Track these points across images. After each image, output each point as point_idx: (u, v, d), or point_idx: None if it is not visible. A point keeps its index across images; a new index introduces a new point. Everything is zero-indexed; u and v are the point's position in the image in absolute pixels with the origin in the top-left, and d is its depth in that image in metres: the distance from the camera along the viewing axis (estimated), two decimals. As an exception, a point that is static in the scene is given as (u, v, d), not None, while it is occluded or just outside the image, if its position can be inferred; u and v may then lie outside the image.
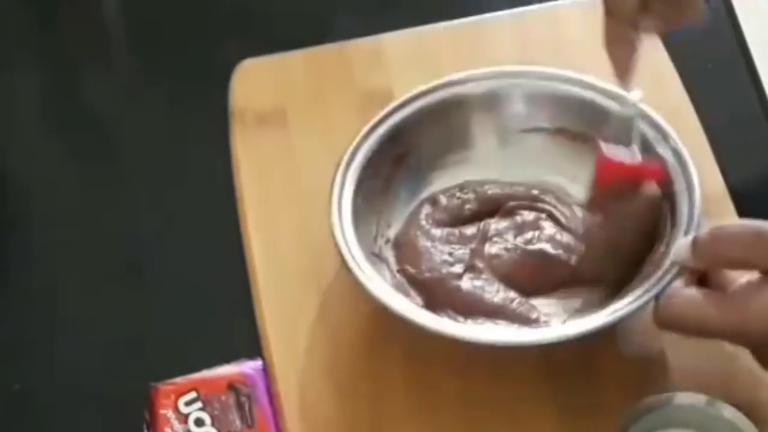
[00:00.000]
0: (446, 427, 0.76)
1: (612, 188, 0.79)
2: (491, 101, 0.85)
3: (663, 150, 0.80)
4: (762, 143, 0.91)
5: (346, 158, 0.81)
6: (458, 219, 0.83)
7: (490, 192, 0.84)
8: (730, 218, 0.84)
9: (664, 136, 0.81)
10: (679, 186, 0.79)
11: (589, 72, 0.85)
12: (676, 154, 0.80)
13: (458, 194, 0.84)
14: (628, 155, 0.79)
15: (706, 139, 0.87)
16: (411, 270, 0.80)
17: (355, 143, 0.81)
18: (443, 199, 0.84)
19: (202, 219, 0.87)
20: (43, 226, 0.88)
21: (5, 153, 0.93)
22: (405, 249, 0.81)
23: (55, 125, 0.95)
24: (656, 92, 0.84)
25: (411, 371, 0.77)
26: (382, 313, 0.75)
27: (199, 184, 0.89)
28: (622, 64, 0.79)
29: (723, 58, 0.94)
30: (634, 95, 0.79)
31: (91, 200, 0.89)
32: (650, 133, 0.81)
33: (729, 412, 0.69)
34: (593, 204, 0.81)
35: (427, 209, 0.83)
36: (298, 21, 0.98)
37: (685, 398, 0.70)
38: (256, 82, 0.92)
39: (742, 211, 0.84)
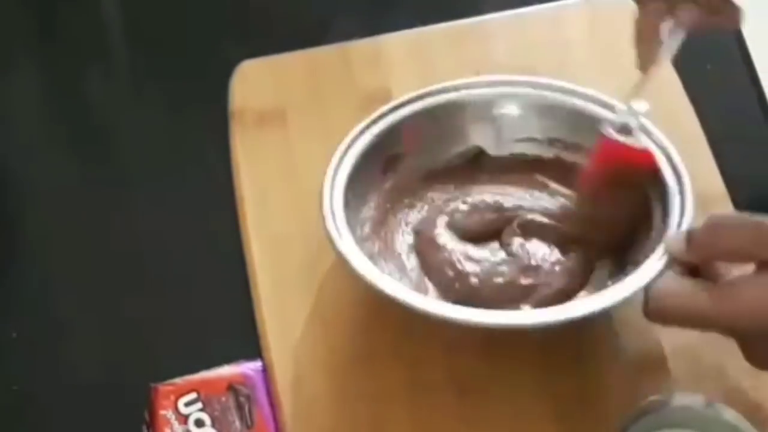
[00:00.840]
0: (445, 427, 0.76)
1: (610, 170, 0.79)
2: (485, 109, 0.84)
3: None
4: (761, 143, 0.91)
5: (337, 155, 0.81)
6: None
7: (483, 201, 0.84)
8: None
9: (648, 132, 0.81)
10: (670, 179, 0.79)
11: (589, 73, 0.85)
12: (665, 151, 0.80)
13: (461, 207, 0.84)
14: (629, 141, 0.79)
15: (705, 139, 0.87)
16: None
17: (346, 142, 0.81)
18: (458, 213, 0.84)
19: (202, 219, 0.87)
20: (43, 226, 0.88)
21: (5, 153, 0.93)
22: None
23: (55, 125, 0.95)
24: (656, 93, 0.84)
25: (411, 372, 0.77)
26: (380, 312, 0.75)
27: (199, 184, 0.89)
28: (647, 56, 0.78)
29: (723, 58, 0.94)
30: (641, 107, 0.79)
31: (91, 200, 0.89)
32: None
33: (728, 414, 0.69)
34: (586, 188, 0.81)
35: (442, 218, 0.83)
36: (298, 21, 0.98)
37: (683, 399, 0.70)
38: (256, 82, 0.92)
39: (742, 211, 0.84)
